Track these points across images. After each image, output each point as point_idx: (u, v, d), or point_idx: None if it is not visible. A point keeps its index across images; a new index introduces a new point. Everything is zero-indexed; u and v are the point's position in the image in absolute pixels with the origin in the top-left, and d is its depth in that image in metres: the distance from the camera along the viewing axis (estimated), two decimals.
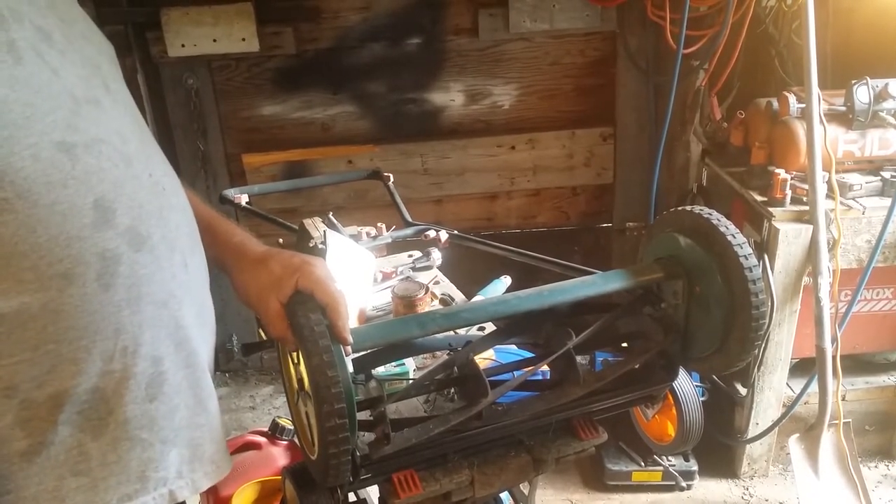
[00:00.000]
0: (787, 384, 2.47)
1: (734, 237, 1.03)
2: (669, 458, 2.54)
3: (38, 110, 0.77)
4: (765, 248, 2.27)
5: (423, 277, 1.93)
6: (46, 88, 0.78)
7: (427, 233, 1.94)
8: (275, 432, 1.95)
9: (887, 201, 2.20)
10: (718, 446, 2.60)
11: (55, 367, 0.79)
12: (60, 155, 0.77)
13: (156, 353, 0.87)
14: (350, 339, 0.92)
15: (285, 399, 1.07)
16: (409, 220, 2.02)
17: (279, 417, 1.97)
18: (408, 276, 1.93)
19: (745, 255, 1.01)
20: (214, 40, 2.67)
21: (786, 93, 2.33)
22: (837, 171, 2.24)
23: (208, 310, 1.00)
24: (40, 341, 0.78)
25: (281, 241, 1.97)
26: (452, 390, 1.17)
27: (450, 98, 3.01)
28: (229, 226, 1.08)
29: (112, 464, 0.85)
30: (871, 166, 2.34)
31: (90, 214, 0.79)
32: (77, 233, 0.78)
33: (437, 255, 2.00)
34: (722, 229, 1.04)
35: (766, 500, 2.54)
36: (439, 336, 1.15)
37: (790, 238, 2.22)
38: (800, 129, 2.27)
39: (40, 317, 0.77)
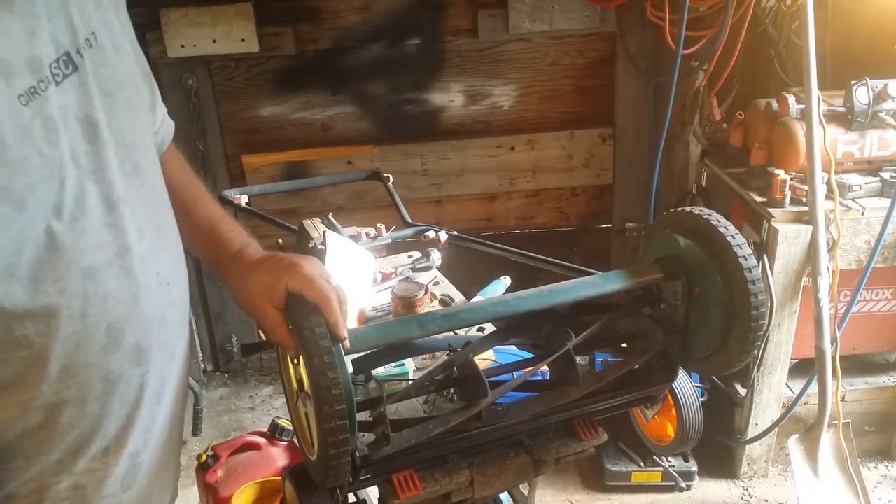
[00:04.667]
0: (786, 385, 2.47)
1: (734, 238, 1.03)
2: (669, 458, 2.54)
3: (71, 236, 0.73)
4: (764, 248, 2.27)
5: (422, 278, 1.93)
6: (80, 206, 0.74)
7: (427, 233, 1.94)
8: (274, 433, 1.95)
9: (887, 202, 2.20)
10: (718, 447, 2.60)
11: (43, 471, 0.81)
12: (85, 283, 0.76)
13: (135, 450, 0.88)
14: (344, 334, 0.91)
15: (285, 400, 1.07)
16: (409, 220, 2.02)
17: (279, 418, 1.97)
18: (407, 277, 1.93)
19: (744, 256, 1.01)
20: (214, 41, 2.67)
21: (785, 93, 2.33)
22: (837, 172, 2.24)
23: (185, 384, 1.01)
24: (35, 454, 0.79)
25: (281, 241, 1.97)
26: (452, 391, 1.17)
27: (449, 99, 3.01)
28: (231, 233, 1.06)
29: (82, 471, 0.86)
30: (871, 167, 2.34)
31: (102, 341, 0.79)
32: (87, 361, 0.78)
33: (436, 256, 2.00)
34: (721, 230, 1.04)
35: (766, 501, 2.54)
36: (439, 337, 1.14)
37: (790, 239, 2.22)
38: (799, 129, 2.27)
39: (39, 434, 0.78)
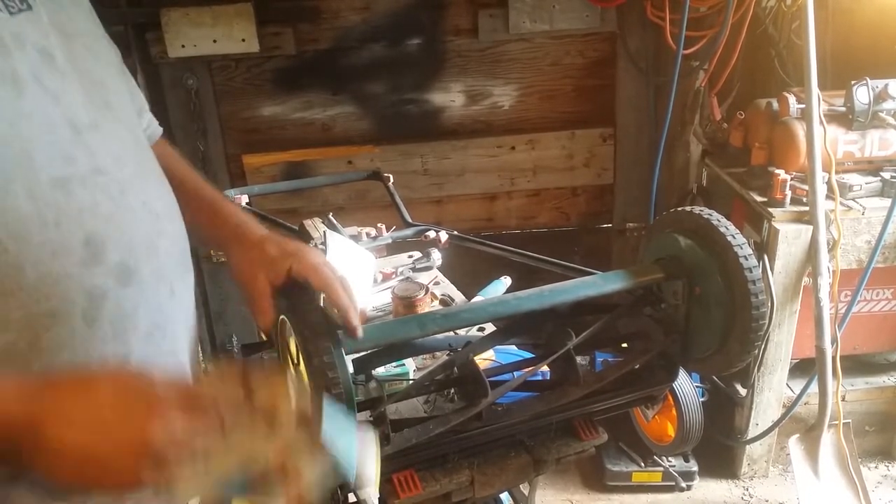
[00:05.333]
0: (786, 385, 2.47)
1: (734, 238, 1.03)
2: (669, 458, 2.54)
3: (38, 145, 0.76)
4: (765, 248, 2.27)
5: (423, 278, 1.93)
6: (46, 120, 0.77)
7: (427, 233, 1.94)
8: None
9: (887, 202, 2.20)
10: (718, 447, 2.60)
11: None
12: (56, 192, 0.77)
13: None
14: (354, 323, 0.91)
15: None
16: (409, 220, 2.02)
17: None
18: (408, 277, 1.94)
19: (744, 256, 1.01)
20: (214, 41, 2.67)
21: (786, 93, 2.33)
22: (837, 172, 2.24)
23: (191, 328, 1.01)
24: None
25: None
26: (452, 391, 1.17)
27: (450, 99, 3.01)
28: (233, 208, 1.08)
29: None
30: (871, 167, 2.34)
31: (80, 252, 0.79)
32: (66, 271, 0.78)
33: (437, 256, 2.00)
34: (722, 230, 1.04)
35: (766, 501, 2.54)
36: (439, 336, 1.15)
37: (790, 238, 2.22)
38: (800, 129, 2.27)
39: (26, 353, 0.77)
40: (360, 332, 0.93)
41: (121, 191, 0.85)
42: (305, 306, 0.90)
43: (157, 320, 0.89)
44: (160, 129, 1.15)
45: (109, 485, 0.66)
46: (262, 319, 0.94)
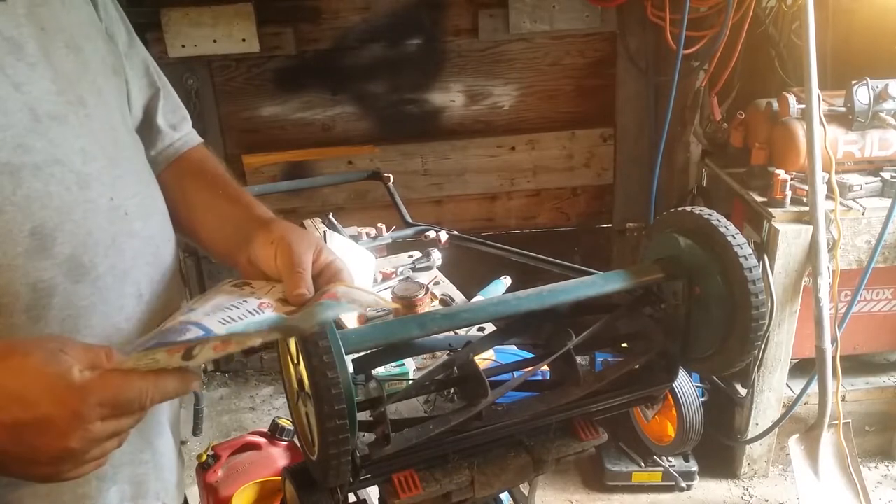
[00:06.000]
0: (786, 385, 2.47)
1: (734, 238, 1.03)
2: (669, 458, 2.54)
3: None
4: (765, 248, 2.27)
5: (423, 278, 1.93)
6: (3, 107, 0.76)
7: (427, 233, 1.94)
8: (275, 433, 1.95)
9: (887, 202, 2.20)
10: (718, 447, 2.60)
11: None
12: (3, 178, 0.75)
13: None
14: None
15: (285, 399, 1.07)
16: (409, 220, 2.02)
17: (279, 418, 1.97)
18: (408, 277, 1.94)
19: (745, 256, 1.01)
20: (214, 41, 2.68)
21: (786, 93, 2.33)
22: (837, 172, 2.24)
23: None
24: None
25: None
26: (452, 391, 1.17)
27: (450, 99, 3.01)
28: (251, 199, 1.03)
29: (42, 497, 0.82)
30: (871, 167, 2.34)
31: (25, 242, 0.76)
32: (8, 262, 0.75)
33: (437, 256, 2.00)
34: (722, 230, 1.04)
35: (766, 501, 2.54)
36: (439, 336, 1.14)
37: (790, 238, 2.22)
38: (800, 129, 2.27)
39: None
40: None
41: (81, 184, 0.82)
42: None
43: (116, 322, 0.85)
44: (197, 140, 1.11)
45: (29, 478, 0.69)
46: (304, 291, 0.87)
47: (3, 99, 0.76)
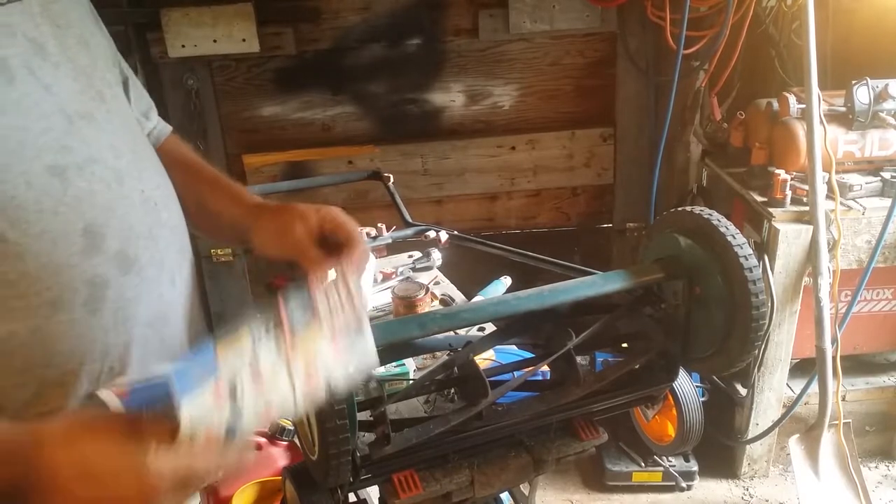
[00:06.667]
0: (787, 385, 2.47)
1: (734, 237, 1.03)
2: (669, 458, 2.54)
3: (30, 133, 0.76)
4: (765, 248, 2.27)
5: (423, 278, 1.93)
6: (38, 108, 0.77)
7: (427, 233, 1.94)
8: (275, 433, 1.95)
9: (887, 202, 2.20)
10: (719, 447, 2.60)
11: (43, 390, 0.79)
12: (52, 180, 0.77)
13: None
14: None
15: None
16: (410, 220, 2.02)
17: (279, 417, 1.97)
18: (408, 277, 1.94)
19: (745, 256, 1.01)
20: (214, 41, 2.67)
21: (786, 93, 2.33)
22: (837, 172, 2.24)
23: (195, 319, 1.00)
24: (28, 366, 0.78)
25: None
26: (452, 390, 1.17)
27: (450, 99, 3.01)
28: (248, 191, 1.08)
29: None
30: (871, 167, 2.34)
31: (80, 241, 0.79)
32: (66, 260, 0.78)
33: (437, 256, 2.00)
34: (722, 230, 1.04)
35: (767, 501, 2.54)
36: (439, 336, 1.14)
37: (790, 238, 2.22)
38: (800, 129, 2.27)
39: (28, 343, 0.77)
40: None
41: (117, 180, 0.84)
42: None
43: (158, 308, 0.89)
44: (169, 127, 1.16)
45: None
46: (315, 268, 0.92)
47: (38, 102, 0.77)
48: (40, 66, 0.79)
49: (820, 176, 2.17)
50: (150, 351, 0.88)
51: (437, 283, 1.93)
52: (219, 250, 2.93)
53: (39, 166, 0.76)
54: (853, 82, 2.25)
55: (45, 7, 0.83)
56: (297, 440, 1.04)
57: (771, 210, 2.26)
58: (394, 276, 1.95)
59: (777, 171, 2.27)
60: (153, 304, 0.88)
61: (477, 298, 1.83)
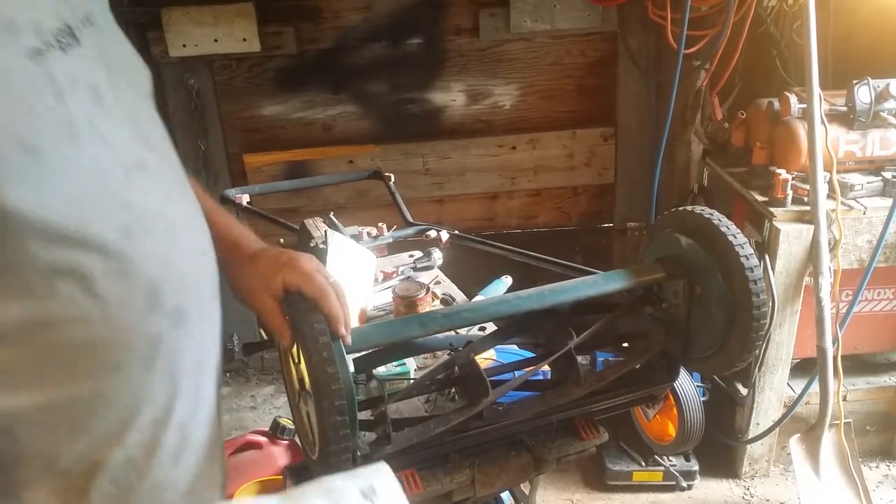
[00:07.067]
0: (787, 384, 2.47)
1: (735, 237, 1.03)
2: (670, 458, 2.54)
3: (100, 197, 0.73)
4: (766, 248, 2.27)
5: (424, 277, 1.93)
6: (104, 168, 0.74)
7: (428, 233, 1.94)
8: (276, 432, 1.95)
9: (888, 201, 2.20)
10: (719, 446, 2.60)
11: (97, 443, 0.79)
12: (121, 242, 0.74)
13: (182, 421, 0.86)
14: (343, 331, 0.92)
15: (286, 399, 1.07)
16: (410, 219, 2.02)
17: (280, 417, 1.97)
18: (409, 276, 1.94)
19: (746, 256, 1.01)
20: (215, 40, 2.68)
21: (787, 93, 2.33)
22: (838, 172, 2.24)
23: (221, 363, 0.99)
24: (88, 423, 0.77)
25: (282, 240, 1.97)
26: (453, 390, 1.17)
27: (451, 98, 3.01)
28: (229, 220, 1.07)
29: None
30: (873, 166, 2.34)
31: (143, 301, 0.77)
32: (130, 322, 0.76)
33: (437, 255, 2.00)
34: (723, 229, 1.04)
35: (767, 501, 2.54)
36: (440, 336, 1.15)
37: (791, 238, 2.22)
38: (801, 129, 2.26)
39: (90, 402, 0.76)
40: (349, 340, 0.93)
41: (173, 231, 0.82)
42: (304, 304, 0.90)
43: (198, 358, 0.88)
44: None
45: None
46: (284, 340, 0.95)
47: (99, 157, 0.74)
48: (100, 119, 0.75)
49: (821, 175, 2.17)
50: (190, 400, 0.87)
51: (437, 283, 1.93)
52: None
53: (109, 229, 0.73)
54: (854, 82, 2.25)
55: (100, 49, 0.79)
56: (297, 440, 1.04)
57: (772, 210, 2.26)
58: (394, 275, 1.94)
59: (778, 170, 2.27)
60: (195, 353, 0.87)
61: (478, 298, 1.83)
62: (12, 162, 0.65)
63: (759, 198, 2.33)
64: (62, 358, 0.73)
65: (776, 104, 2.38)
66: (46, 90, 0.70)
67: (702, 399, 1.29)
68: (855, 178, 2.27)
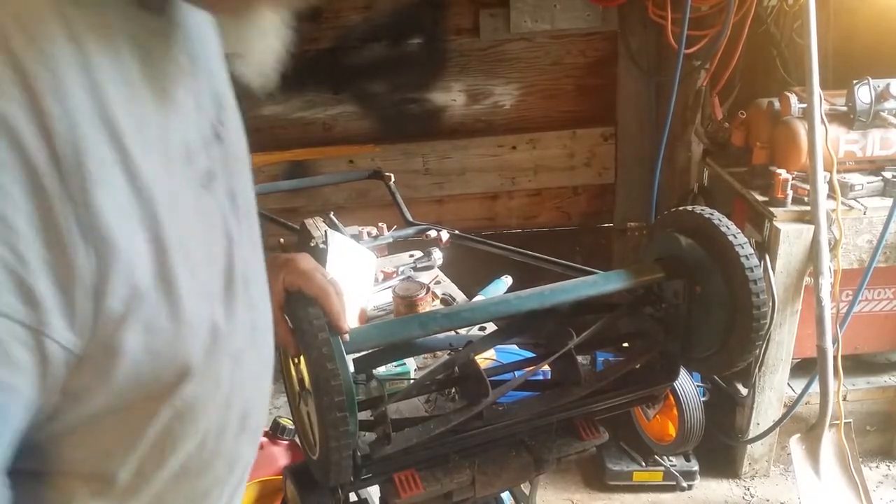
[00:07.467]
0: (788, 384, 2.47)
1: (735, 237, 1.03)
2: (670, 458, 2.54)
3: (227, 320, 0.64)
4: (766, 248, 2.27)
5: (424, 277, 1.93)
6: (238, 299, 0.66)
7: (428, 232, 1.94)
8: (276, 432, 1.95)
9: (888, 201, 2.20)
10: (719, 446, 2.60)
11: None
12: (232, 368, 0.67)
13: None
14: (345, 326, 0.91)
15: (286, 398, 1.07)
16: (411, 219, 2.02)
17: (280, 417, 1.97)
18: (409, 276, 1.94)
19: (746, 256, 1.01)
20: None
21: (787, 93, 2.33)
22: (839, 172, 2.23)
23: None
24: None
25: (282, 240, 1.97)
26: (453, 390, 1.17)
27: (451, 98, 3.01)
28: None
29: None
30: (873, 166, 2.33)
31: (235, 427, 0.71)
32: (223, 447, 0.71)
33: (437, 255, 2.00)
34: (723, 229, 1.04)
35: (768, 501, 2.54)
36: (440, 336, 1.15)
37: (791, 238, 2.22)
38: (801, 129, 2.26)
39: None
40: (347, 337, 0.92)
41: (264, 344, 0.75)
42: (303, 302, 0.90)
43: (247, 465, 0.82)
44: None
45: None
46: (288, 347, 0.94)
47: (233, 275, 0.66)
48: (236, 227, 0.68)
49: (821, 175, 2.17)
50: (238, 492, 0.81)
51: (437, 283, 1.93)
52: None
53: (229, 356, 0.66)
54: (854, 82, 2.25)
55: (229, 140, 0.69)
56: (298, 440, 1.04)
57: (772, 210, 2.26)
58: (395, 275, 1.94)
59: (778, 170, 2.27)
60: (249, 458, 0.81)
61: (478, 298, 1.83)
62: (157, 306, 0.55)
63: (760, 198, 2.33)
64: (157, 490, 0.66)
65: (776, 104, 2.38)
66: (216, 219, 0.64)
67: (702, 399, 1.29)
68: (855, 178, 2.27)
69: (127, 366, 0.54)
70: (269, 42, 0.65)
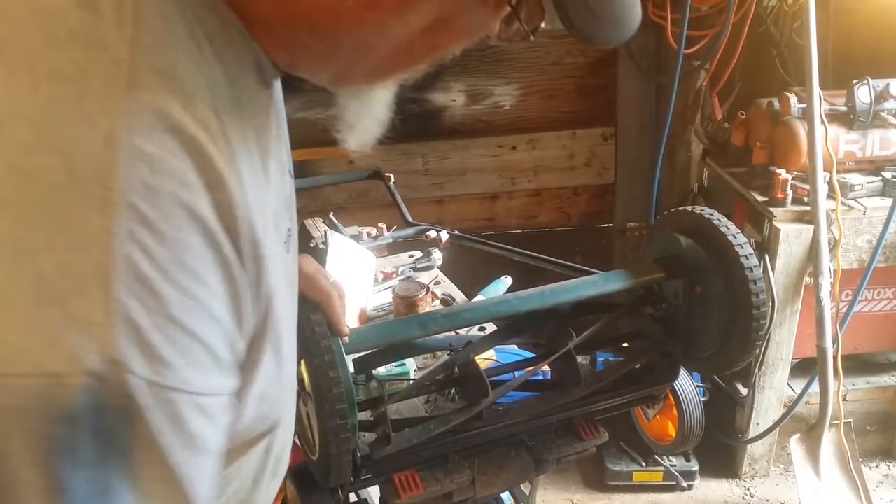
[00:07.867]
0: (787, 384, 2.47)
1: (735, 237, 1.03)
2: (670, 458, 2.54)
3: (281, 382, 0.63)
4: (766, 248, 2.27)
5: (423, 277, 1.93)
6: (288, 365, 0.64)
7: (428, 233, 1.94)
8: None
9: (888, 201, 2.20)
10: (719, 446, 2.60)
11: None
12: (282, 430, 0.66)
13: None
14: (346, 330, 0.90)
15: None
16: (410, 220, 2.02)
17: None
18: (409, 277, 1.94)
19: (745, 255, 1.01)
20: None
21: (787, 93, 2.33)
22: (838, 172, 2.24)
23: None
24: None
25: None
26: (453, 390, 1.17)
27: (451, 98, 3.01)
28: None
29: None
30: (872, 166, 2.34)
31: (269, 473, 0.70)
32: (255, 496, 0.69)
33: (437, 256, 2.00)
34: (723, 229, 1.04)
35: (768, 501, 2.54)
36: (440, 336, 1.15)
37: (791, 238, 2.22)
38: (801, 129, 2.26)
39: None
40: (346, 340, 0.91)
41: (293, 395, 0.72)
42: (305, 308, 0.90)
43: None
44: None
45: None
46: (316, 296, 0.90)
47: (289, 335, 0.64)
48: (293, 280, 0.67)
49: (821, 175, 2.17)
50: None
51: (437, 283, 1.93)
52: None
53: (287, 417, 0.66)
54: (854, 82, 2.25)
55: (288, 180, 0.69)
56: (298, 440, 1.04)
57: (772, 210, 2.26)
58: (394, 275, 1.94)
59: (778, 170, 2.27)
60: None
61: (478, 298, 1.83)
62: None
63: (759, 198, 2.33)
64: None
65: (776, 104, 2.38)
66: (293, 276, 0.66)
67: (702, 399, 1.29)
68: (855, 178, 2.27)
69: (250, 412, 0.56)
70: (379, 114, 0.67)
